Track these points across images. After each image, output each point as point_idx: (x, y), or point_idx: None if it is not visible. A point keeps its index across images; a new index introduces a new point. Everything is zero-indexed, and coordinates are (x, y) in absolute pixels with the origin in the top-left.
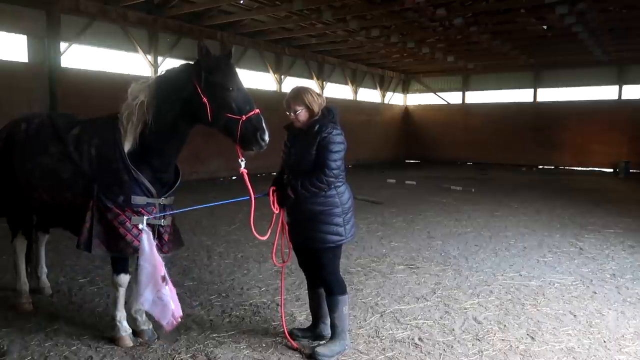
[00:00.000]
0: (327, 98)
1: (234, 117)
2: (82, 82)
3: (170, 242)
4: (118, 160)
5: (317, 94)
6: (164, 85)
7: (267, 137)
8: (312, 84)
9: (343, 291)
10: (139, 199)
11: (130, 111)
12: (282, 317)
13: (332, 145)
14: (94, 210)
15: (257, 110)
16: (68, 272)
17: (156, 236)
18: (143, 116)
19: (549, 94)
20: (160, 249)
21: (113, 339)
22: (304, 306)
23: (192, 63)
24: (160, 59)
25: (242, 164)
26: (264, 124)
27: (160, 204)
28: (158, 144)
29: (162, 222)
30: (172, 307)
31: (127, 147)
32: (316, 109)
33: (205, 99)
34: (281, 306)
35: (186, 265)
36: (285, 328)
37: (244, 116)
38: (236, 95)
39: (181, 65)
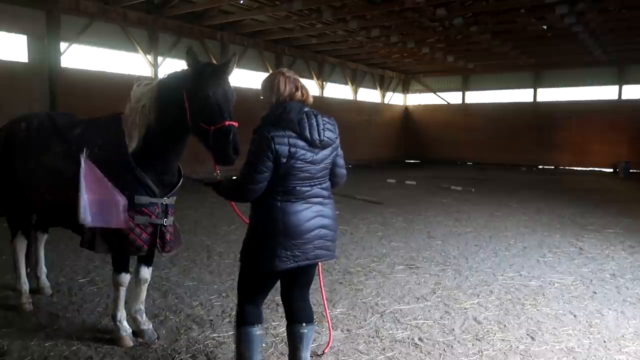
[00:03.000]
0: (322, 97)
1: (204, 127)
2: (82, 82)
3: (172, 241)
4: (122, 160)
5: (281, 81)
6: (164, 90)
7: (231, 154)
8: (312, 84)
9: (237, 324)
10: (142, 199)
11: (133, 114)
12: None
13: (250, 146)
14: None
15: (230, 123)
16: (68, 272)
17: (159, 236)
18: (146, 119)
19: (549, 94)
20: (162, 248)
21: (113, 339)
22: None
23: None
24: (160, 59)
25: (218, 177)
26: (231, 138)
27: (162, 203)
28: (160, 146)
29: (164, 221)
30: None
31: (130, 147)
32: (271, 99)
33: (186, 105)
34: None
35: (186, 265)
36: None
37: (212, 127)
38: (212, 105)
39: (181, 70)
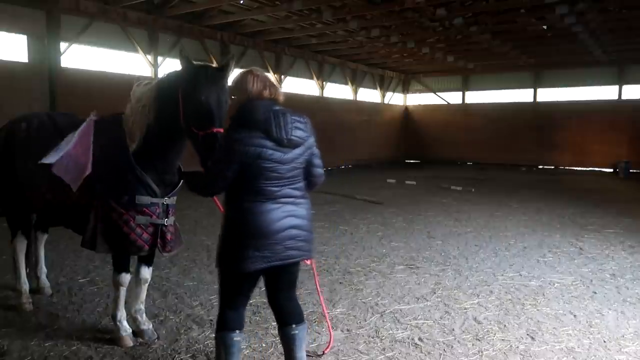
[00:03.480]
0: (322, 97)
1: (194, 131)
2: (82, 82)
3: (172, 241)
4: (123, 160)
5: (249, 80)
6: (163, 90)
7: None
8: (312, 84)
9: (216, 329)
10: (143, 199)
11: (134, 114)
12: None
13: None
14: (98, 209)
15: (218, 130)
16: (68, 272)
17: (159, 236)
18: (146, 118)
19: (549, 94)
20: (163, 248)
21: (113, 339)
22: (304, 306)
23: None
24: (160, 59)
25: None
26: (217, 145)
27: (163, 203)
28: (160, 146)
29: (165, 221)
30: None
31: (131, 147)
32: (241, 98)
33: (181, 107)
34: None
35: (186, 265)
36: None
37: (201, 132)
38: (203, 110)
39: (174, 71)
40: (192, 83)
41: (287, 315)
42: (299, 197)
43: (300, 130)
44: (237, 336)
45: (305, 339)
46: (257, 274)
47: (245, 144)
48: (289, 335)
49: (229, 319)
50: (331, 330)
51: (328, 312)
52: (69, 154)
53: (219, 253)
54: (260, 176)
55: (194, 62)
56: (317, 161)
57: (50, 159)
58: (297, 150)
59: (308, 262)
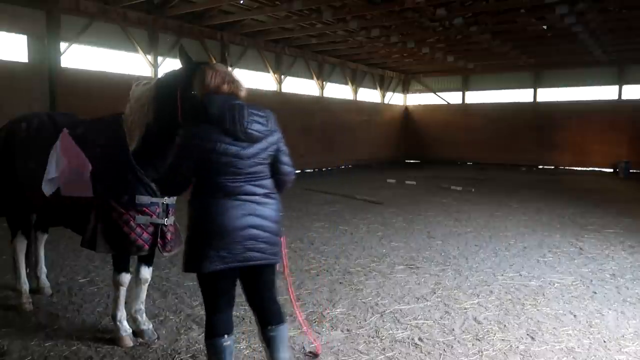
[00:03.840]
0: (322, 97)
1: None
2: (82, 82)
3: (172, 241)
4: (123, 160)
5: (208, 74)
6: (162, 89)
7: None
8: (312, 84)
9: (205, 336)
10: (143, 199)
11: (133, 113)
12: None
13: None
14: (98, 209)
15: None
16: (68, 272)
17: (160, 236)
18: (145, 118)
19: (549, 94)
20: (163, 248)
21: (113, 339)
22: (304, 306)
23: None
24: (160, 59)
25: None
26: None
27: (163, 203)
28: (160, 145)
29: (165, 221)
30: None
31: (131, 147)
32: (200, 93)
33: (179, 104)
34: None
35: None
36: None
37: None
38: (204, 105)
39: (172, 71)
40: (191, 81)
41: (265, 316)
42: (263, 196)
43: (259, 124)
44: (226, 341)
45: (286, 340)
46: (225, 275)
47: (199, 138)
48: (267, 336)
49: (214, 324)
50: (310, 332)
51: (328, 312)
52: (66, 172)
53: (183, 253)
54: (217, 172)
55: (193, 60)
56: (285, 158)
57: (50, 185)
58: (259, 145)
59: (282, 270)
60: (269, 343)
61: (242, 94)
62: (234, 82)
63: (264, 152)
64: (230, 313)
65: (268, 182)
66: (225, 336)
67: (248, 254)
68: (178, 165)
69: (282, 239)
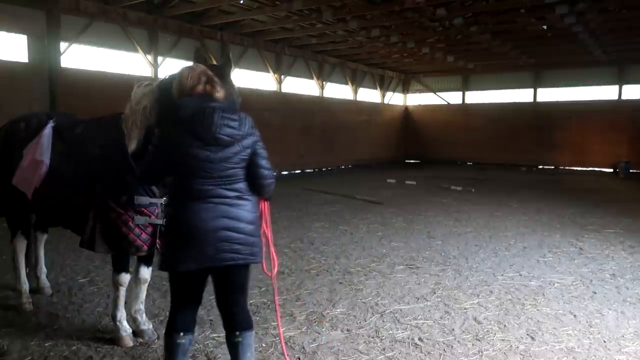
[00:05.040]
0: (322, 98)
1: None
2: (82, 82)
3: None
4: (122, 161)
5: (184, 75)
6: (166, 91)
7: None
8: (312, 84)
9: (165, 331)
10: (142, 199)
11: (134, 114)
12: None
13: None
14: (97, 210)
15: None
16: (68, 272)
17: (158, 236)
18: (146, 120)
19: (549, 94)
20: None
21: (113, 339)
22: (304, 306)
23: None
24: (160, 59)
25: None
26: None
27: (162, 203)
28: None
29: (163, 221)
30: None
31: (130, 148)
32: (178, 93)
33: None
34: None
35: None
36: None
37: None
38: None
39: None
40: None
41: (232, 321)
42: (236, 198)
43: (230, 128)
44: (180, 338)
45: (252, 347)
46: (196, 275)
47: (169, 141)
48: (232, 342)
49: (175, 320)
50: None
51: (328, 312)
52: (23, 167)
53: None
54: (188, 175)
55: (207, 62)
56: (262, 162)
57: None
58: (231, 149)
59: (269, 272)
60: (233, 349)
61: (218, 94)
62: (210, 82)
63: (237, 156)
64: (193, 312)
65: (242, 185)
66: (181, 333)
67: (222, 255)
68: (150, 162)
69: (266, 239)
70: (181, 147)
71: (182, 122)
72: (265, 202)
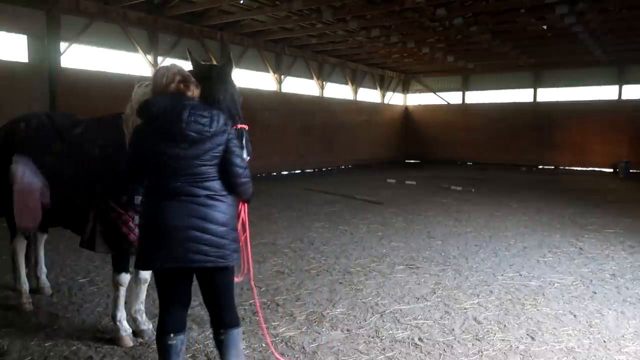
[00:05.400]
0: (322, 98)
1: None
2: (82, 82)
3: None
4: (122, 161)
5: (159, 73)
6: None
7: (245, 155)
8: (312, 84)
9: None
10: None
11: (134, 114)
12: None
13: None
14: (97, 210)
15: (241, 126)
16: (68, 272)
17: None
18: None
19: (549, 94)
20: None
21: (113, 339)
22: (304, 306)
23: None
24: (160, 59)
25: None
26: (243, 141)
27: None
28: None
29: None
30: None
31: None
32: (153, 91)
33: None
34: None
35: None
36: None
37: None
38: (222, 107)
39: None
40: (208, 82)
41: (217, 319)
42: (206, 198)
43: (200, 125)
44: (171, 339)
45: (238, 345)
46: (174, 274)
47: (139, 138)
48: (217, 339)
49: (163, 321)
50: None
51: (328, 312)
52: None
53: None
54: (157, 172)
55: (202, 62)
56: (236, 160)
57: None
58: (201, 147)
59: (247, 273)
60: (219, 346)
61: (191, 93)
62: (183, 81)
63: (208, 153)
64: (181, 313)
65: (215, 184)
66: (171, 335)
67: (190, 255)
68: (128, 166)
69: (242, 241)
70: (151, 145)
71: (152, 119)
72: (244, 204)
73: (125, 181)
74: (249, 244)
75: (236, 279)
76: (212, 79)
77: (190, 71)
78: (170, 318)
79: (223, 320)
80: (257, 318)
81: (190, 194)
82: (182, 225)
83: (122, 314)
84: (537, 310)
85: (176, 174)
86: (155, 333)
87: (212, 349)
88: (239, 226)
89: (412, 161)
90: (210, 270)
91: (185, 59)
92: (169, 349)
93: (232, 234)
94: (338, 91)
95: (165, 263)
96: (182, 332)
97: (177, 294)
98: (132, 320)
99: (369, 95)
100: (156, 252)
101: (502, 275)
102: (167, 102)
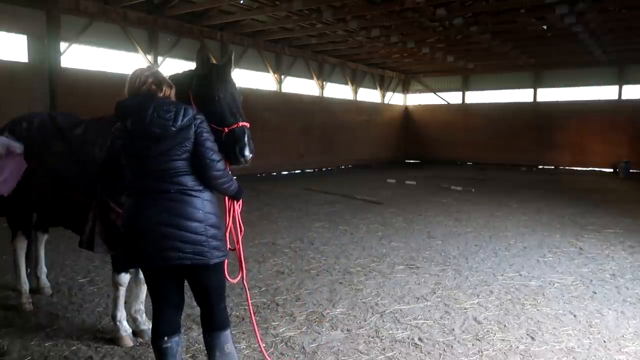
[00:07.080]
0: (322, 98)
1: (217, 129)
2: (82, 82)
3: None
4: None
5: (133, 75)
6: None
7: (247, 153)
8: (312, 84)
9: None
10: None
11: None
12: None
13: None
14: (96, 210)
15: (243, 124)
16: (68, 272)
17: None
18: None
19: (549, 94)
20: None
21: (113, 339)
22: (304, 306)
23: (192, 69)
24: (160, 59)
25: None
26: (245, 139)
27: None
28: None
29: None
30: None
31: None
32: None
33: (194, 107)
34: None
35: None
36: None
37: (226, 128)
38: (222, 106)
39: (184, 71)
40: (208, 81)
41: (204, 320)
42: (178, 193)
43: (163, 120)
44: (165, 342)
45: (223, 348)
46: (163, 273)
47: (115, 136)
48: (205, 340)
49: (157, 324)
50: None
51: (328, 312)
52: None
53: None
54: (128, 170)
55: (209, 62)
56: (208, 153)
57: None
58: (168, 142)
59: (230, 277)
60: (207, 347)
61: (163, 93)
62: (156, 83)
63: (176, 148)
64: (174, 315)
65: (186, 179)
66: (165, 338)
67: (165, 253)
68: (104, 164)
69: (237, 241)
70: (119, 141)
71: (123, 119)
72: (233, 201)
73: (105, 177)
74: (241, 242)
75: (233, 281)
76: (212, 78)
77: (190, 71)
78: (163, 320)
79: (207, 321)
80: (257, 318)
81: (161, 190)
82: (155, 222)
83: (122, 314)
84: (537, 310)
85: (147, 171)
86: None
87: None
88: (229, 223)
89: (412, 161)
90: (193, 269)
91: (186, 58)
92: (165, 352)
93: (211, 231)
94: (338, 91)
95: (143, 262)
96: (177, 334)
97: (165, 293)
98: (132, 320)
99: (369, 95)
100: (135, 251)
101: (502, 275)
102: (134, 102)
